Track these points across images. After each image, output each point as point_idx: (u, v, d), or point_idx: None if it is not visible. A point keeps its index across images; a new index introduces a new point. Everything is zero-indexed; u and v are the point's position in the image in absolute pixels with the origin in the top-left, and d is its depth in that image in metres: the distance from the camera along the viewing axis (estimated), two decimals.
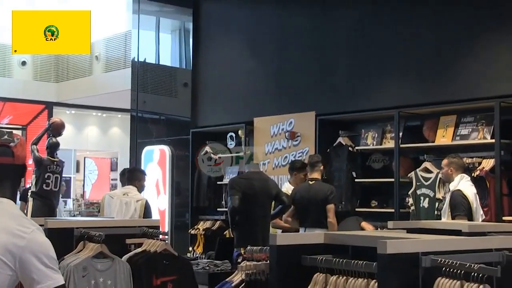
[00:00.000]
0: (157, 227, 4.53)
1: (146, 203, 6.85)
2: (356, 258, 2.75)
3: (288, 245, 2.88)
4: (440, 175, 6.82)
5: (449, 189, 6.32)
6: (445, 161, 6.42)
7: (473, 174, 6.64)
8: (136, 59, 11.28)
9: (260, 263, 3.07)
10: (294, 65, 8.81)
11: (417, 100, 7.38)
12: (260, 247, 3.14)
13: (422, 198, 7.16)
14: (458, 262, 2.44)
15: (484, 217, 6.24)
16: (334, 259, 2.76)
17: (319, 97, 8.39)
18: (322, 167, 7.16)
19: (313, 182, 7.09)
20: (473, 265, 2.41)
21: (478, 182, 6.60)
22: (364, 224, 7.15)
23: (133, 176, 7.13)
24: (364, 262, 2.66)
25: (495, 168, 6.55)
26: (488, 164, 6.65)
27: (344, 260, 2.73)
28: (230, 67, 9.72)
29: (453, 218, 6.17)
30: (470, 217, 6.13)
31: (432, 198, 7.03)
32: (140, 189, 7.10)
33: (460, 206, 6.07)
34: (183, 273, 4.29)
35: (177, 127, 10.87)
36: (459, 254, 2.60)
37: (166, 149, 10.53)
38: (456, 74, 7.17)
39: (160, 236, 4.44)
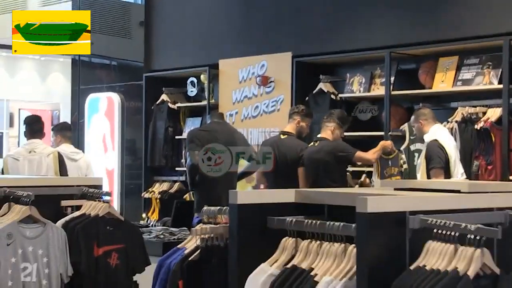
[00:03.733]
0: (99, 187, 4.47)
1: (59, 154, 6.86)
2: (332, 219, 2.72)
3: (252, 204, 2.84)
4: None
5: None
6: (413, 116, 6.65)
7: (476, 126, 6.68)
8: None
9: (218, 226, 3.03)
10: None
11: (412, 39, 7.37)
12: (218, 208, 3.09)
13: (416, 154, 7.19)
14: (452, 223, 2.43)
15: (464, 177, 6.29)
16: (306, 221, 2.74)
17: (296, 35, 8.33)
18: (298, 121, 7.07)
19: (285, 136, 7.07)
20: (469, 226, 2.39)
21: (481, 135, 6.68)
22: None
23: (35, 128, 7.02)
24: (342, 224, 2.64)
25: (502, 118, 6.59)
26: (494, 114, 6.68)
27: (318, 222, 2.71)
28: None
29: (428, 172, 6.24)
30: (448, 172, 6.21)
31: None
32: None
33: (436, 157, 6.21)
34: (131, 241, 4.24)
35: (128, 72, 10.74)
36: (454, 214, 2.58)
37: (115, 97, 10.41)
38: (457, 7, 7.17)
39: (104, 198, 4.39)
